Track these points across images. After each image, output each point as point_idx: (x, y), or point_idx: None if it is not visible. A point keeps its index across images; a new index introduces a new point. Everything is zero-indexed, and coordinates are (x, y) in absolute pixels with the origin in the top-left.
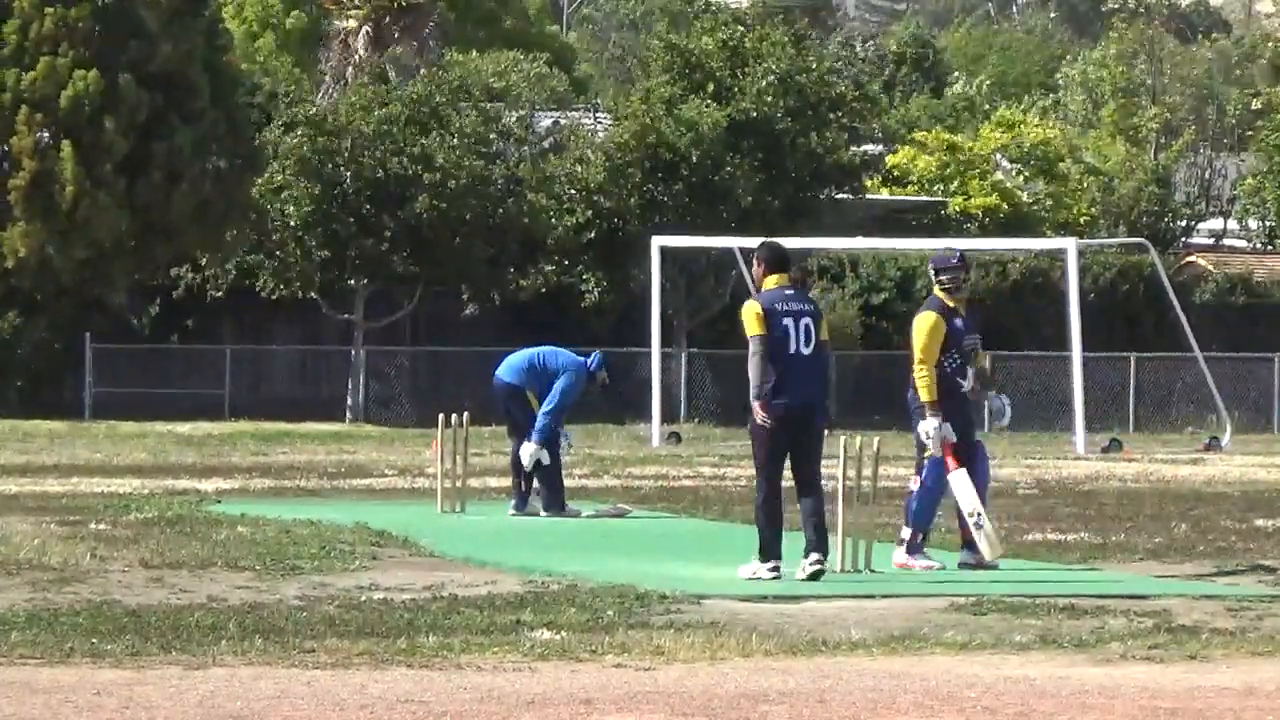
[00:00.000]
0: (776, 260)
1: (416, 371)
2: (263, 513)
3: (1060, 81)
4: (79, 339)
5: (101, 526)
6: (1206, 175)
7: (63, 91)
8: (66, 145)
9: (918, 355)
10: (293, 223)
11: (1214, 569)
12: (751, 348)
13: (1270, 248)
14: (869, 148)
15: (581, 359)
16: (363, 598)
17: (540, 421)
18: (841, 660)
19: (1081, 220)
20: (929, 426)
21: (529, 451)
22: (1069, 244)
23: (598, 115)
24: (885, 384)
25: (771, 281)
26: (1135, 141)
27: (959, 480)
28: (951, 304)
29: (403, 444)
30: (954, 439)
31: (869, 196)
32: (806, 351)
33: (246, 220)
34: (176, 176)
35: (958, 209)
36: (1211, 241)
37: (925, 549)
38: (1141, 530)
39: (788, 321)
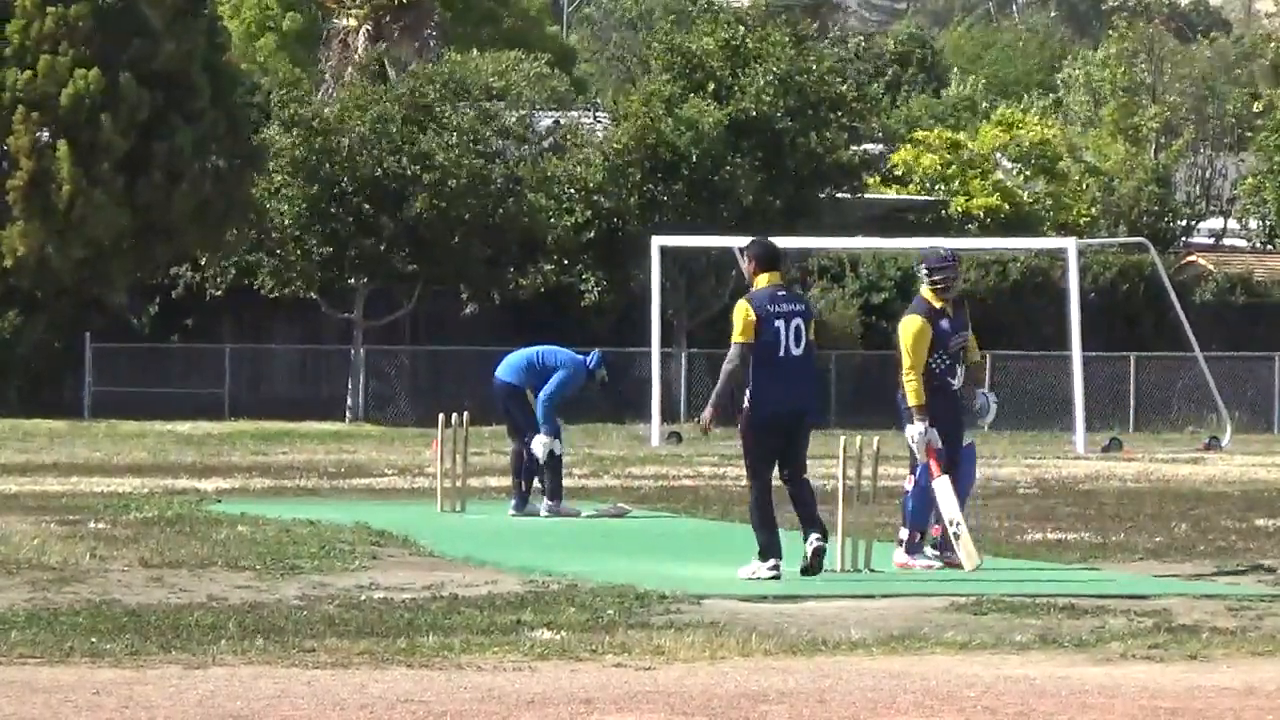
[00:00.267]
0: (767, 259)
1: (416, 371)
2: (262, 512)
3: (1061, 81)
4: (79, 338)
5: (101, 526)
6: (1207, 175)
7: (63, 90)
8: (63, 144)
9: (905, 361)
10: (287, 222)
11: (1214, 568)
12: (730, 353)
13: (1270, 247)
14: (869, 147)
15: (581, 357)
16: (363, 597)
17: (541, 411)
18: (841, 660)
19: (1082, 220)
20: (915, 431)
21: (541, 443)
22: (1069, 243)
23: (598, 115)
24: (885, 384)
25: (763, 280)
26: (1135, 141)
27: (941, 488)
28: (938, 305)
29: (402, 443)
30: (939, 444)
31: (869, 196)
32: (797, 352)
33: (246, 220)
34: (177, 176)
35: (959, 209)
36: (1211, 241)
37: (925, 548)
38: (1142, 530)
39: (779, 323)
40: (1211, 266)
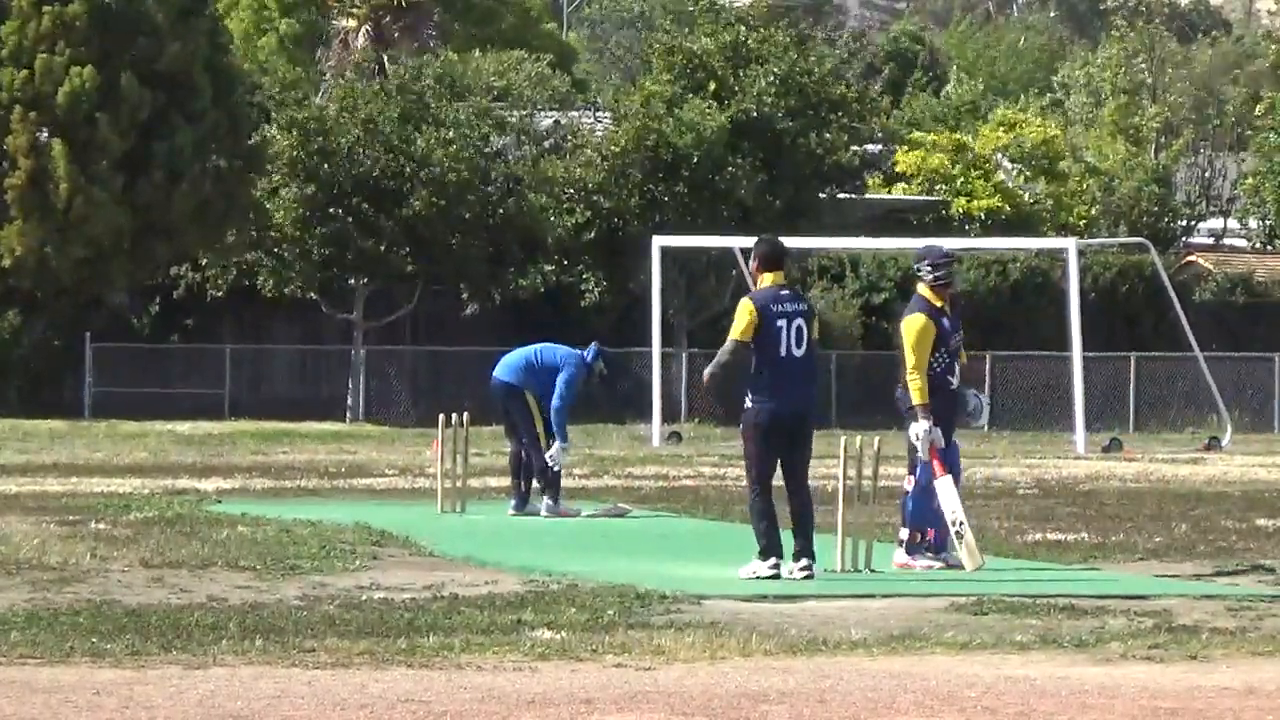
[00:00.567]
0: (771, 258)
1: (416, 371)
2: (263, 512)
3: (1060, 81)
4: (79, 338)
5: (101, 526)
6: (1207, 175)
7: (60, 89)
8: (60, 144)
9: (910, 360)
10: (285, 222)
11: (1214, 569)
12: (725, 345)
13: (1270, 247)
14: (869, 148)
15: (579, 351)
16: (363, 597)
17: (555, 420)
18: (842, 660)
19: (1082, 220)
20: (920, 429)
21: (556, 450)
22: (1069, 244)
23: (598, 115)
24: (885, 384)
25: (767, 279)
26: (1136, 141)
27: (944, 487)
28: (938, 303)
29: (403, 444)
30: (943, 444)
31: (869, 196)
32: (798, 353)
33: (247, 220)
34: (177, 176)
35: (961, 209)
36: (1212, 241)
37: (925, 548)
38: (1142, 530)
39: (781, 323)
40: (1211, 267)
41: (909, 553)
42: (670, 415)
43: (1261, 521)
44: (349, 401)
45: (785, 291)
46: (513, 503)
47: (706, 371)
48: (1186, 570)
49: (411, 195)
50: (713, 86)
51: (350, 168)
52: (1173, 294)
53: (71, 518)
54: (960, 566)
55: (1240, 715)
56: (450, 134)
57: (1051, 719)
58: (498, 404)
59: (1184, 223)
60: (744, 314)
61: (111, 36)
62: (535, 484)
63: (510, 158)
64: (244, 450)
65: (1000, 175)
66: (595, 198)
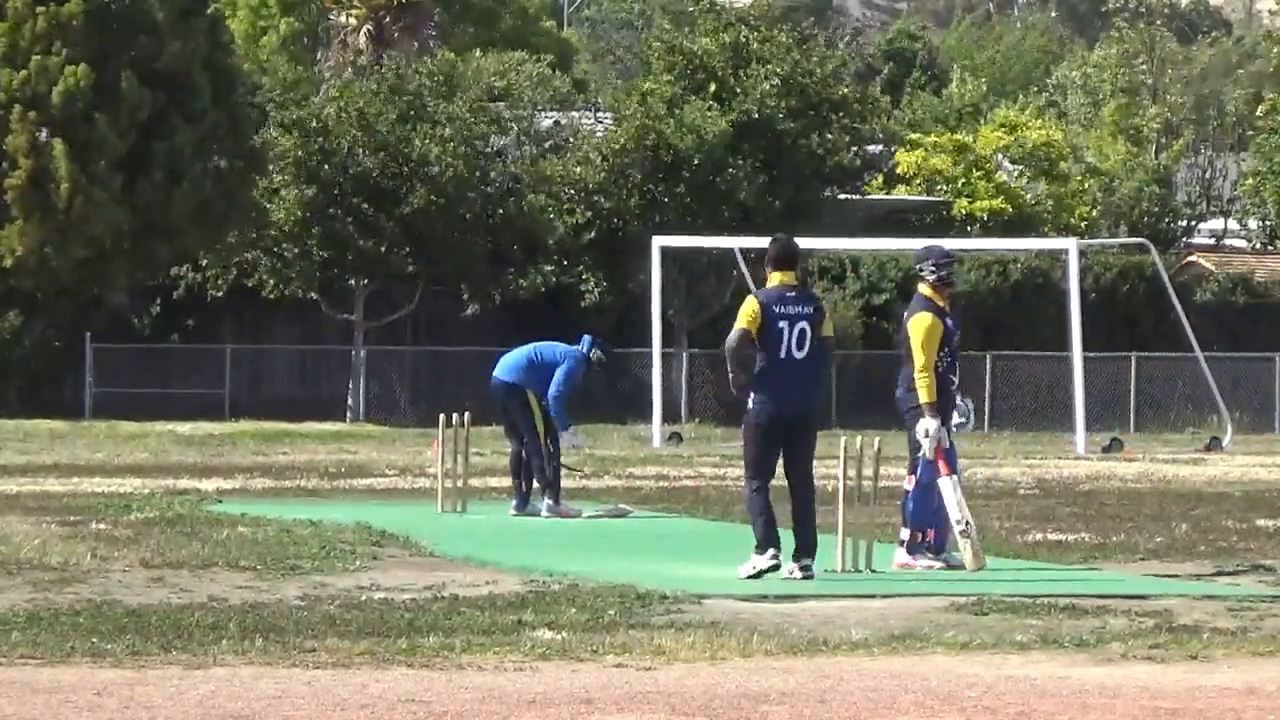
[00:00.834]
0: (780, 257)
1: (417, 371)
2: (263, 513)
3: (1057, 82)
4: (79, 338)
5: (102, 526)
6: (1207, 175)
7: (53, 88)
8: (59, 143)
9: (920, 359)
10: (284, 224)
11: (1215, 569)
12: (731, 334)
13: (1271, 248)
14: (870, 148)
15: (576, 347)
16: (363, 598)
17: (554, 409)
18: (842, 660)
19: (1082, 221)
20: (929, 426)
21: (567, 438)
22: (1070, 244)
23: (598, 115)
24: (886, 384)
25: (775, 279)
26: (1136, 141)
27: (948, 487)
28: (941, 302)
29: (403, 444)
30: (948, 443)
31: (870, 197)
32: (799, 356)
33: (247, 220)
34: (177, 176)
35: (963, 210)
36: (1212, 241)
37: (926, 548)
38: (1142, 530)
39: (783, 325)
40: (1212, 267)
41: (910, 553)
42: (670, 416)
43: (1262, 522)
44: (349, 402)
45: (792, 293)
46: (513, 503)
47: (730, 377)
48: (1187, 570)
49: (410, 195)
50: (713, 87)
51: (350, 167)
52: (1173, 294)
53: (72, 518)
54: (961, 567)
55: (1241, 715)
56: (447, 131)
57: (1052, 719)
58: (498, 404)
59: (1184, 223)
60: (747, 308)
61: (111, 36)
62: (535, 484)
63: (510, 158)
64: (244, 450)
65: (1002, 176)
66: (595, 198)
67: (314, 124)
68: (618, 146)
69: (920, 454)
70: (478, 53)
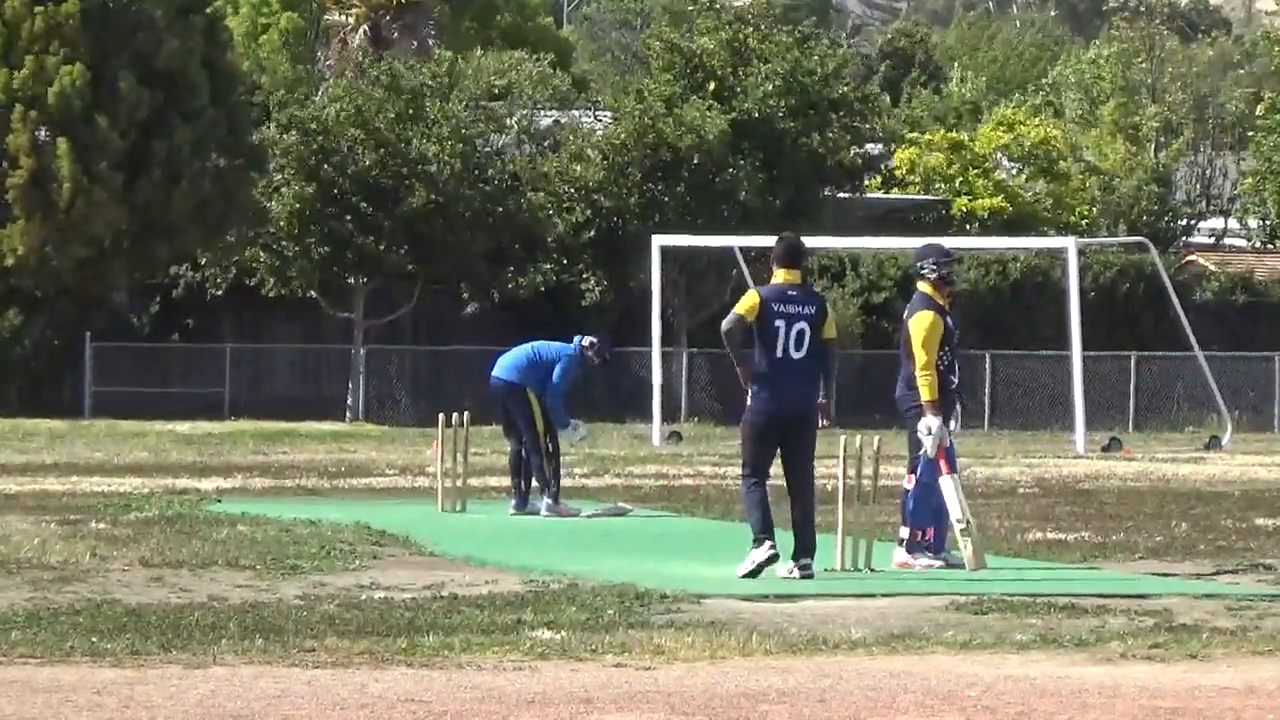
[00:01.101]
0: (784, 255)
1: (416, 370)
2: (263, 512)
3: (1050, 83)
4: (79, 338)
5: (101, 525)
6: (1207, 174)
7: (49, 88)
8: (63, 143)
9: (921, 357)
10: (281, 221)
11: (1214, 568)
12: (727, 317)
13: (1270, 247)
14: (870, 147)
15: (573, 345)
16: (363, 597)
17: (552, 404)
18: (842, 659)
19: (1082, 219)
20: (932, 424)
21: (569, 432)
22: (1069, 243)
23: (598, 114)
24: (886, 383)
25: (779, 277)
26: (1135, 140)
27: (948, 486)
28: (941, 301)
29: (403, 443)
30: (949, 441)
31: (869, 196)
32: (796, 356)
33: (247, 220)
34: (176, 175)
35: (962, 209)
36: (1212, 240)
37: (925, 547)
38: (1142, 529)
39: (779, 324)
40: (1212, 266)
41: (909, 551)
42: (670, 415)
43: (1261, 521)
44: (349, 401)
45: (794, 292)
46: (513, 502)
47: (739, 371)
48: (1187, 569)
49: (410, 194)
50: (713, 86)
51: (349, 166)
52: (1173, 293)
53: (71, 517)
54: (960, 566)
55: (1241, 714)
56: (445, 131)
57: (1052, 718)
58: (497, 403)
59: (1184, 222)
60: (748, 298)
61: (109, 35)
62: (535, 483)
63: (510, 157)
64: (244, 450)
65: (1000, 174)
66: (595, 197)
67: (313, 125)
68: (617, 143)
69: (921, 452)
70: (478, 51)
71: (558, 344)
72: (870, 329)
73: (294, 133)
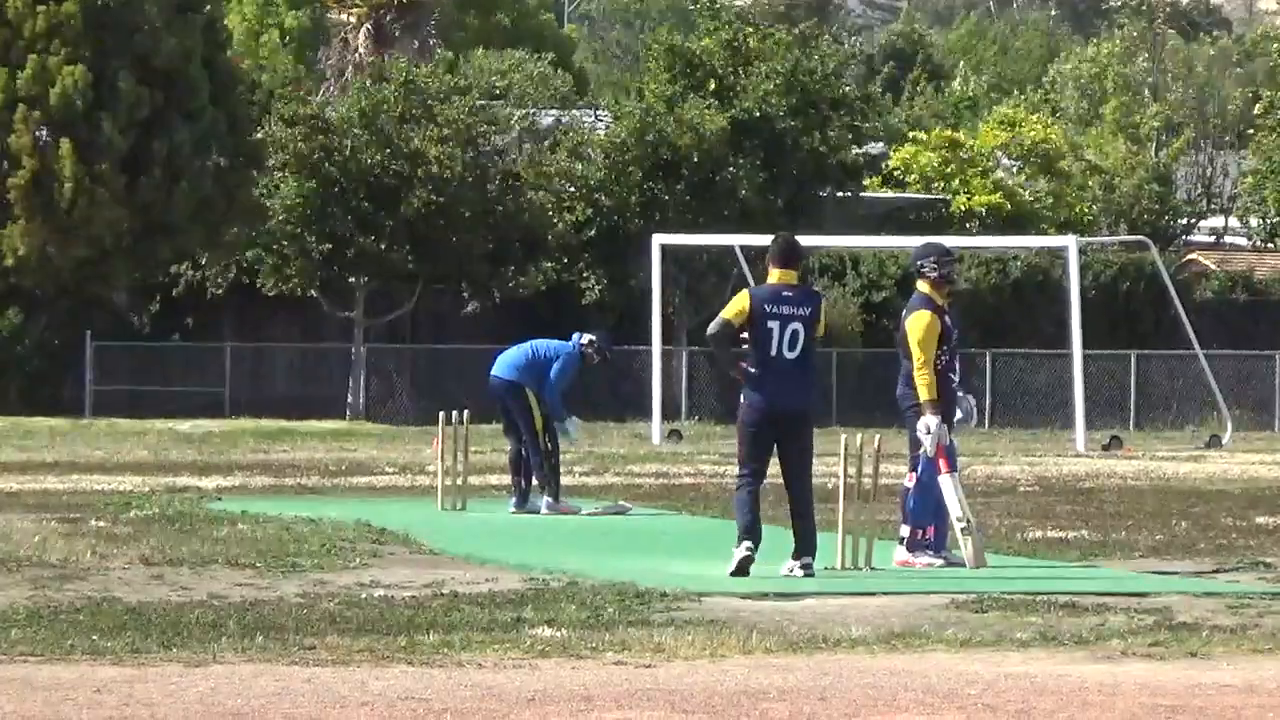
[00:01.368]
0: (779, 255)
1: (417, 369)
2: (263, 510)
3: (1053, 78)
4: (79, 337)
5: (102, 524)
6: (1207, 173)
7: (50, 89)
8: (65, 143)
9: (919, 356)
10: (280, 218)
11: (1214, 566)
12: (713, 322)
13: (1271, 246)
14: (870, 147)
15: (570, 343)
16: (363, 595)
17: (549, 400)
18: (842, 657)
19: (1083, 218)
20: (931, 423)
21: (569, 426)
22: (1070, 242)
23: (598, 113)
24: (886, 381)
25: (774, 277)
26: (1136, 139)
27: (948, 485)
28: (940, 300)
29: (403, 441)
30: (949, 440)
31: (869, 195)
32: (790, 355)
33: (247, 218)
34: (177, 174)
35: (960, 207)
36: (1212, 239)
37: (926, 546)
38: (1142, 528)
39: (773, 324)
40: (1212, 265)
41: (910, 550)
42: (670, 413)
43: (1262, 519)
44: (349, 399)
45: (789, 292)
46: (513, 500)
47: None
48: (1187, 568)
49: (411, 192)
50: (713, 86)
51: (350, 165)
52: (1173, 292)
53: (72, 515)
54: (961, 564)
55: (1241, 712)
56: (446, 131)
57: (1052, 716)
58: (497, 402)
59: (1185, 221)
60: (738, 301)
61: (109, 35)
62: (535, 481)
63: (511, 156)
64: (244, 448)
65: (1000, 173)
66: (596, 196)
67: (315, 122)
68: (618, 142)
69: (921, 451)
70: (479, 51)
71: (556, 342)
72: (871, 327)
73: (300, 127)
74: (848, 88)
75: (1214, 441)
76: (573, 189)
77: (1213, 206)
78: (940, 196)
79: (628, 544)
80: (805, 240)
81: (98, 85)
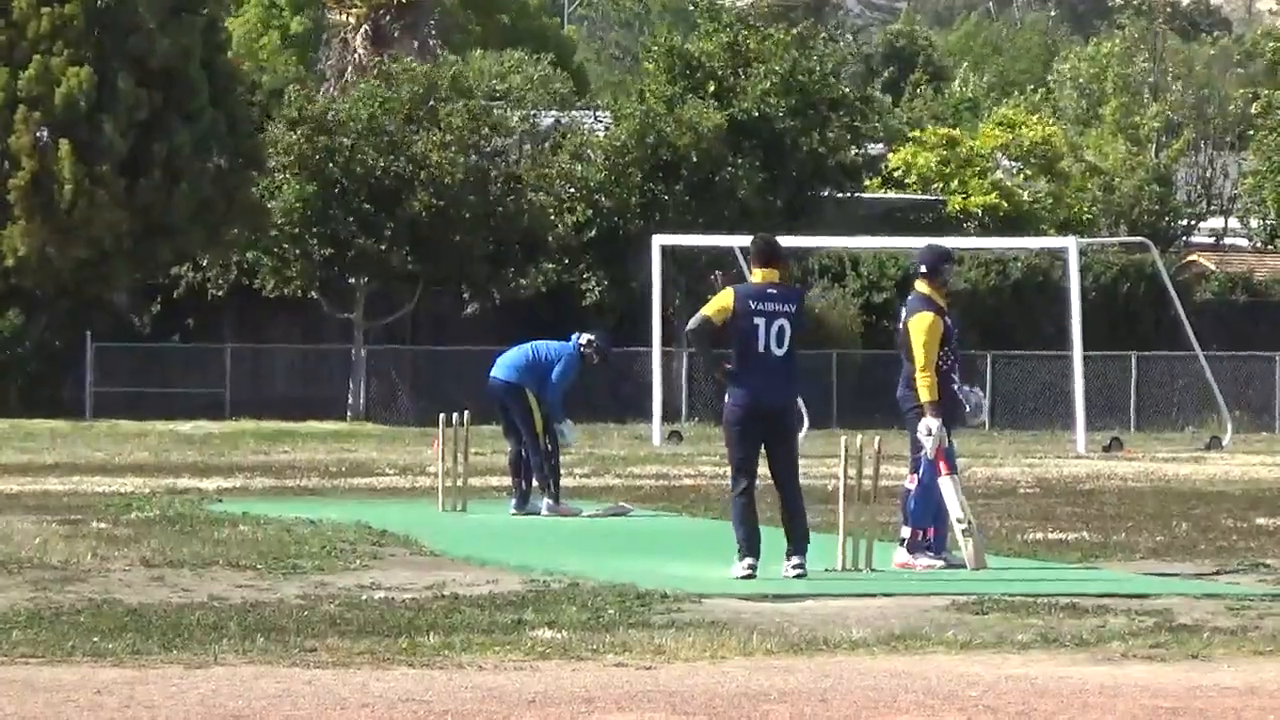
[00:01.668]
0: (761, 254)
1: (417, 370)
2: (264, 512)
3: (1053, 78)
4: (80, 338)
5: (103, 525)
6: (1207, 174)
7: (55, 90)
8: (65, 144)
9: (921, 358)
10: (280, 219)
11: (1215, 568)
12: (693, 319)
13: (1271, 247)
14: (870, 148)
15: (570, 344)
16: (364, 597)
17: (551, 408)
18: (843, 659)
19: (1083, 219)
20: (932, 424)
21: (564, 429)
22: (1070, 243)
23: (598, 114)
24: (886, 383)
25: (757, 276)
26: (1136, 140)
27: (947, 487)
28: (940, 301)
29: (403, 443)
30: (949, 443)
31: (869, 196)
32: (777, 352)
33: (247, 219)
34: (177, 176)
35: (958, 208)
36: (1212, 240)
37: (926, 547)
38: (1142, 529)
39: (759, 321)
40: (1212, 266)
41: (910, 552)
42: (671, 415)
43: (1262, 520)
44: (350, 401)
45: (772, 290)
46: (513, 502)
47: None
48: (1187, 569)
49: (411, 194)
50: (712, 87)
51: (352, 167)
52: (1173, 293)
53: (73, 517)
54: (961, 566)
55: (1241, 714)
56: (448, 136)
57: (1053, 718)
58: (496, 403)
59: (1185, 222)
60: (721, 298)
61: (108, 36)
62: (535, 483)
63: (511, 158)
64: (245, 449)
65: (999, 174)
66: (596, 197)
67: (316, 122)
68: (618, 144)
69: (922, 453)
70: (479, 53)
71: (556, 343)
72: (870, 329)
73: (303, 128)
74: (846, 88)
75: (1214, 443)
76: (573, 190)
77: (1213, 207)
78: (938, 198)
79: (628, 545)
80: (805, 241)
81: (99, 86)
